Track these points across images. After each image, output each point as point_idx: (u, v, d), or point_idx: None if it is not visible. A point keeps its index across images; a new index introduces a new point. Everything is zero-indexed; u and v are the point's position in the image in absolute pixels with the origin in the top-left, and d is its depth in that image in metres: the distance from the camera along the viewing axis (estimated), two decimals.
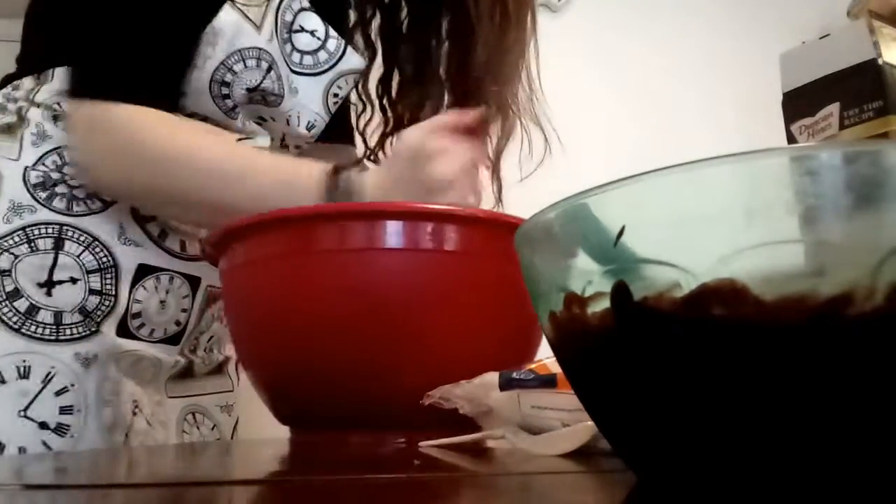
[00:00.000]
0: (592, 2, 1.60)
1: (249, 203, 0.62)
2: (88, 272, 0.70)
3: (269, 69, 0.75)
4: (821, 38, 0.56)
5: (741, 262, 0.19)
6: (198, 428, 0.81)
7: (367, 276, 0.50)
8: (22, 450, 0.64)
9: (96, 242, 0.70)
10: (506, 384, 0.49)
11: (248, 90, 0.75)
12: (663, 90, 1.58)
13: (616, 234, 0.21)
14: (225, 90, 0.73)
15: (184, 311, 0.77)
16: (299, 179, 0.65)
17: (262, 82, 0.75)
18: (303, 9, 0.78)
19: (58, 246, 0.69)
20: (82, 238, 0.70)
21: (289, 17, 0.77)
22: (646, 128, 1.54)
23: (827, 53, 0.54)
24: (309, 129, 0.82)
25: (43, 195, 0.70)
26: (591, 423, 0.37)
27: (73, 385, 0.67)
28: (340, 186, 0.63)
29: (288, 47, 0.77)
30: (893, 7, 0.56)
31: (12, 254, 0.68)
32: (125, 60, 0.67)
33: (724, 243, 0.19)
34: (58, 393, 0.66)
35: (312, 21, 0.78)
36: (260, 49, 0.74)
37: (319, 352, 0.51)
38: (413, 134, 0.66)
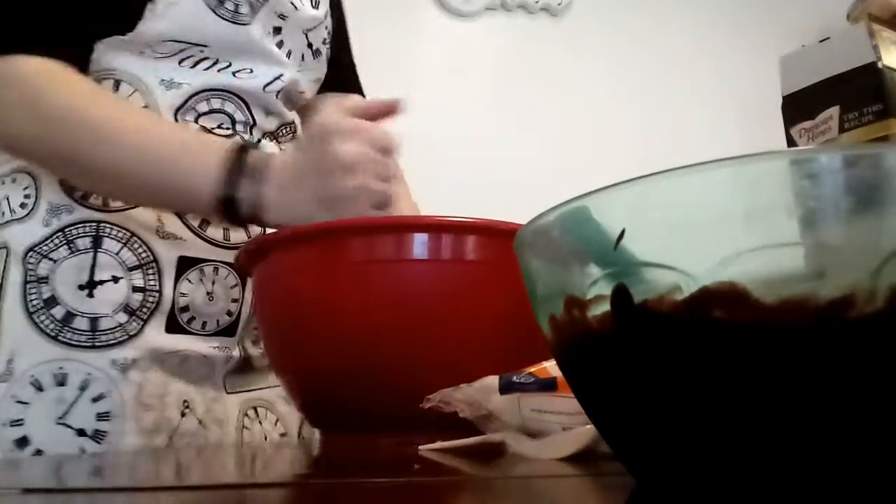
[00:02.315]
0: (592, 5, 1.60)
1: (145, 167, 0.63)
2: (129, 269, 0.69)
3: None
4: (820, 41, 0.56)
5: (741, 265, 0.19)
6: (260, 423, 0.78)
7: (395, 285, 0.53)
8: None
9: (135, 238, 0.69)
10: (506, 387, 0.49)
11: None
12: (663, 93, 1.58)
13: (616, 237, 0.21)
14: None
15: (234, 300, 0.75)
16: (203, 150, 0.63)
17: None
18: None
19: (96, 244, 0.68)
20: (120, 234, 0.69)
21: None
22: (646, 130, 1.54)
23: (827, 57, 0.54)
24: (315, 7, 0.80)
25: (78, 194, 0.70)
26: (591, 426, 0.37)
27: (109, 392, 0.66)
28: (246, 165, 0.61)
29: None
30: (893, 11, 0.56)
31: (51, 259, 0.68)
32: (35, 13, 0.65)
33: (724, 246, 0.19)
34: (94, 400, 0.66)
35: None
36: None
37: (348, 358, 0.53)
38: (326, 113, 0.66)
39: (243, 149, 0.63)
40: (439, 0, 1.54)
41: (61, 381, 0.65)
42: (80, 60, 0.68)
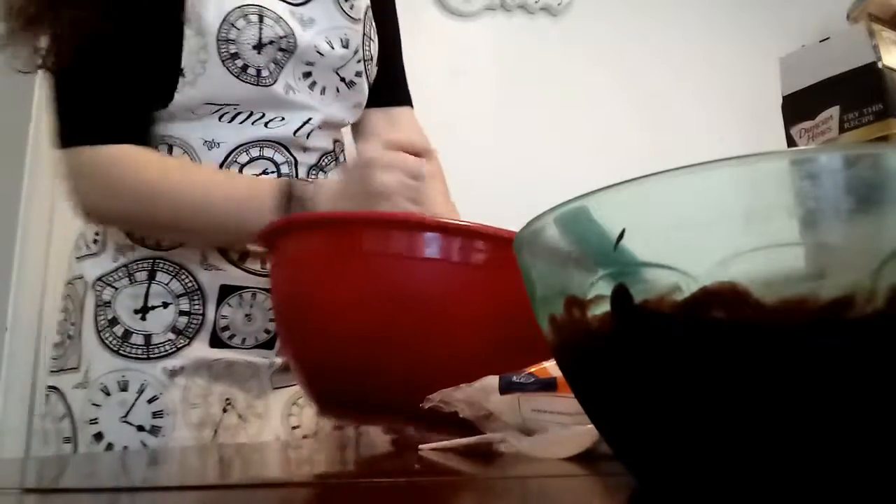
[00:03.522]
0: (591, 5, 1.60)
1: (214, 228, 0.76)
2: (177, 296, 0.80)
3: (260, 18, 0.78)
4: (821, 41, 0.56)
5: (741, 265, 0.19)
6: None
7: (405, 280, 0.55)
8: (125, 449, 0.76)
9: (183, 270, 0.81)
10: (506, 388, 0.49)
11: (256, 48, 0.78)
12: (663, 93, 1.58)
13: (616, 237, 0.21)
14: (238, 63, 0.78)
15: (271, 320, 0.83)
16: (255, 197, 0.74)
17: (261, 35, 0.78)
18: None
19: (151, 277, 0.80)
20: (171, 268, 0.81)
21: None
22: (646, 131, 1.54)
23: (827, 57, 0.54)
24: (345, 46, 0.86)
25: (138, 235, 0.82)
26: (591, 426, 0.37)
27: (160, 394, 0.77)
28: (295, 195, 0.72)
29: None
30: (893, 11, 0.56)
31: (114, 287, 0.81)
32: (92, 107, 0.77)
33: (724, 246, 0.19)
34: (150, 401, 0.77)
35: None
36: (242, 6, 0.77)
37: (356, 347, 0.55)
38: (369, 148, 0.75)
39: (290, 184, 0.73)
40: (439, 0, 1.54)
41: (124, 387, 0.77)
42: (141, 135, 0.79)
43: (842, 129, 0.52)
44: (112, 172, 0.76)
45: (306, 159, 0.85)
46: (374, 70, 0.93)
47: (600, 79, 1.56)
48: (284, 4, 0.82)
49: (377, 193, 0.68)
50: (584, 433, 0.38)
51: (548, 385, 0.45)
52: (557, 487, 0.30)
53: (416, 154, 0.73)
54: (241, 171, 0.81)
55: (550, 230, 0.24)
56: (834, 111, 0.53)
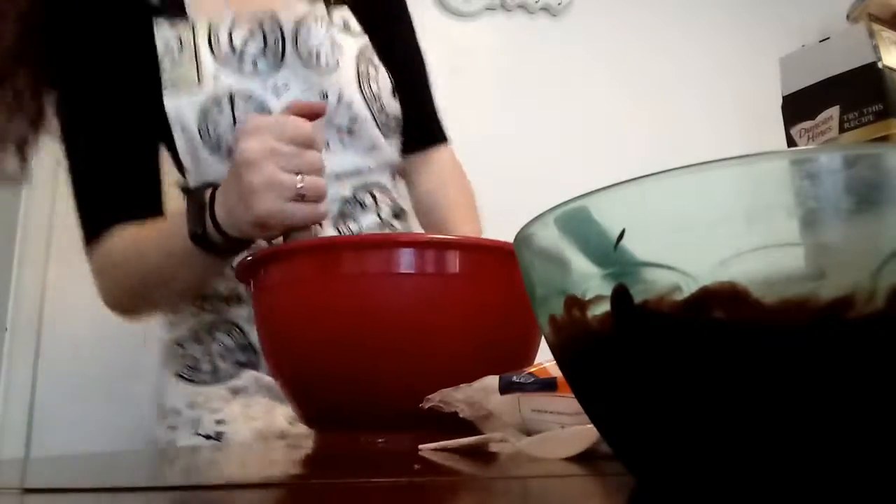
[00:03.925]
0: (591, 5, 1.60)
1: (167, 275, 0.77)
2: (230, 350, 0.86)
3: (231, 102, 0.80)
4: (820, 41, 0.56)
5: (742, 265, 0.19)
6: None
7: (382, 296, 0.56)
8: None
9: (235, 327, 0.86)
10: (506, 388, 0.49)
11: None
12: (663, 93, 1.58)
13: (616, 237, 0.21)
14: (224, 149, 0.80)
15: None
16: (174, 221, 0.74)
17: (234, 118, 0.79)
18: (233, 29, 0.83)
19: (210, 335, 0.86)
20: (224, 327, 0.86)
21: (225, 47, 0.81)
22: (646, 131, 1.54)
23: (827, 57, 0.54)
24: (325, 97, 0.85)
25: (198, 302, 0.87)
26: (591, 426, 0.37)
27: (221, 407, 0.83)
28: (193, 203, 0.70)
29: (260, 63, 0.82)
30: (893, 11, 0.56)
31: (182, 346, 0.88)
32: (92, 207, 0.83)
33: (724, 246, 0.19)
34: (212, 411, 0.83)
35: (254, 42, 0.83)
36: (214, 96, 0.79)
37: (339, 362, 0.56)
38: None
39: (189, 193, 0.72)
40: (439, 0, 1.54)
41: (191, 406, 0.84)
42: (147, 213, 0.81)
43: (842, 129, 0.52)
44: (105, 269, 0.82)
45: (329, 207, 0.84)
46: (389, 104, 0.92)
47: (600, 79, 1.56)
48: (256, 80, 0.82)
49: (243, 164, 0.62)
50: (584, 433, 0.38)
51: (548, 385, 0.45)
52: (557, 487, 0.30)
53: (311, 116, 0.67)
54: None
55: (550, 230, 0.24)
56: (834, 111, 0.53)
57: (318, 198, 0.65)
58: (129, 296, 0.83)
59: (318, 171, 0.66)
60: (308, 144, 0.65)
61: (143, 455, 0.62)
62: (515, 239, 0.27)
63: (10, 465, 0.56)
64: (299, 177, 0.63)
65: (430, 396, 0.58)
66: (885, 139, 0.49)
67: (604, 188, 0.21)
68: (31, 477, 0.43)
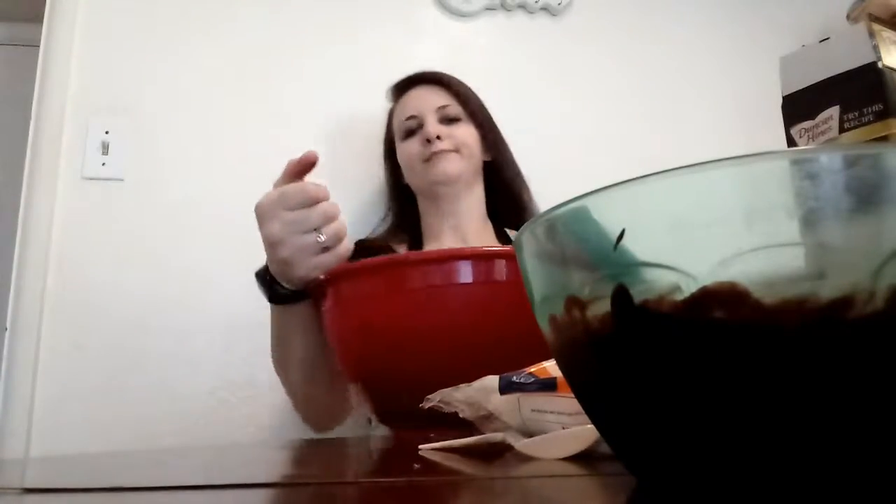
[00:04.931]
0: (591, 5, 1.60)
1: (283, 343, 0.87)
2: None
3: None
4: (820, 41, 0.56)
5: (741, 266, 0.19)
6: None
7: (445, 305, 0.64)
8: None
9: None
10: (506, 388, 0.49)
11: None
12: (663, 93, 1.58)
13: (616, 237, 0.21)
14: None
15: None
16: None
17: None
18: None
19: None
20: None
21: None
22: (645, 130, 1.54)
23: (826, 57, 0.54)
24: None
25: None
26: (591, 426, 0.37)
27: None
28: (259, 277, 0.81)
29: None
30: (893, 11, 0.56)
31: None
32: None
33: (724, 246, 0.19)
34: None
35: None
36: None
37: (407, 365, 0.64)
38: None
39: (256, 276, 0.83)
40: (439, 0, 1.54)
41: None
42: None
43: (842, 129, 0.52)
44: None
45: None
46: None
47: (600, 79, 1.56)
48: None
49: (270, 247, 0.73)
50: (584, 433, 0.38)
51: (548, 385, 0.45)
52: (557, 487, 0.30)
53: (308, 168, 0.76)
54: None
55: (550, 230, 0.24)
56: (834, 111, 0.53)
57: (340, 240, 0.74)
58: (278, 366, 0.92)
59: (333, 217, 0.73)
60: (314, 201, 0.72)
61: (141, 455, 0.62)
62: (515, 239, 0.27)
63: (10, 465, 0.56)
64: (315, 234, 0.72)
65: (430, 396, 0.58)
66: (885, 139, 0.49)
67: (604, 188, 0.21)
68: (31, 477, 0.43)
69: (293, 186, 0.73)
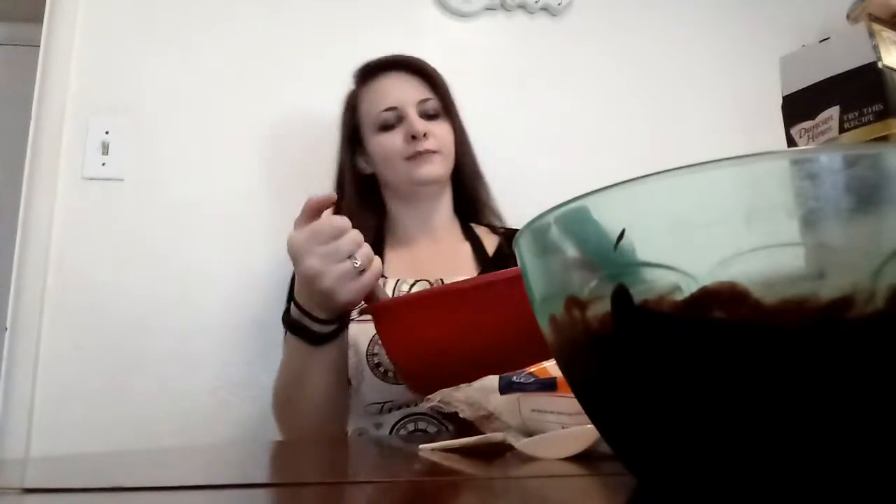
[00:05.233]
0: (591, 5, 1.60)
1: (291, 380, 0.90)
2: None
3: None
4: (820, 41, 0.55)
5: (741, 265, 0.19)
6: None
7: (490, 323, 0.70)
8: None
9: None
10: (506, 388, 0.49)
11: None
12: (663, 93, 1.58)
13: (616, 237, 0.21)
14: (380, 369, 0.96)
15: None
16: (289, 343, 0.88)
17: None
18: None
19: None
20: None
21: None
22: (645, 131, 1.54)
23: (827, 57, 0.54)
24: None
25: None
26: (591, 426, 0.37)
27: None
28: (291, 317, 0.84)
29: None
30: (893, 11, 0.56)
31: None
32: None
33: (724, 246, 0.19)
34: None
35: None
36: None
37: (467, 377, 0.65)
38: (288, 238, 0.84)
39: (285, 320, 0.87)
40: (439, 0, 1.54)
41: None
42: None
43: (842, 129, 0.52)
44: (274, 402, 0.96)
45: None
46: None
47: (600, 79, 1.56)
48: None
49: (311, 281, 0.77)
50: (584, 433, 0.38)
51: (548, 385, 0.45)
52: (557, 487, 0.30)
53: (327, 205, 0.81)
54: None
55: (550, 230, 0.24)
56: (834, 111, 0.52)
57: (371, 261, 0.79)
58: (288, 431, 0.95)
59: (361, 242, 0.79)
60: (343, 232, 0.78)
61: (141, 455, 0.62)
62: (515, 239, 0.27)
63: (10, 465, 0.56)
64: (350, 260, 0.77)
65: (430, 396, 0.58)
66: (885, 139, 0.49)
67: (604, 188, 0.21)
68: (31, 477, 0.43)
69: (322, 223, 0.79)
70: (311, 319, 0.82)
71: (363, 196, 1.16)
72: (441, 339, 0.73)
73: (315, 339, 0.84)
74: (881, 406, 0.18)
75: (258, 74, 1.40)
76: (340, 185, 1.18)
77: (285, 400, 0.92)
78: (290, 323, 0.85)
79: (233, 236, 1.32)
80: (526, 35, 1.56)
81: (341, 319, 0.85)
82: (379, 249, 1.13)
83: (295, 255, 0.79)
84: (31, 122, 1.30)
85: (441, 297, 0.78)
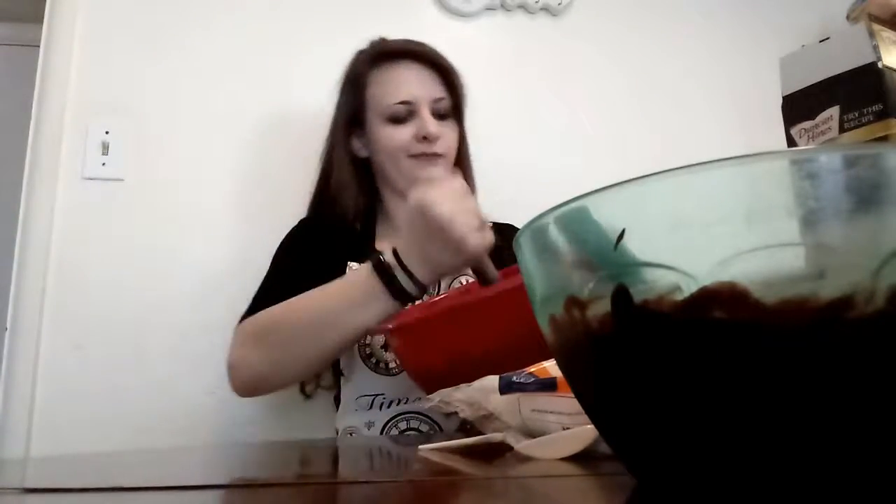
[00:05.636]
0: (591, 5, 1.60)
1: (339, 328, 0.87)
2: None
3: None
4: (820, 41, 0.55)
5: (741, 265, 0.19)
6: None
7: (500, 329, 0.71)
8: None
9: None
10: (506, 388, 0.49)
11: (384, 347, 0.98)
12: (663, 92, 1.58)
13: (616, 237, 0.21)
14: (372, 360, 0.98)
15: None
16: (354, 279, 0.86)
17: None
18: None
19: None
20: None
21: None
22: (646, 130, 1.54)
23: (827, 57, 0.54)
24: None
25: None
26: (591, 426, 0.37)
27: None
28: (384, 261, 0.84)
29: None
30: (893, 11, 0.56)
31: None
32: (260, 301, 0.98)
33: (724, 246, 0.19)
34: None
35: None
36: None
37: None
38: (411, 195, 0.84)
39: (375, 262, 0.85)
40: (439, 0, 1.54)
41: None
42: None
43: (842, 129, 0.52)
44: (258, 328, 0.92)
45: (449, 425, 0.95)
46: None
47: (600, 79, 1.56)
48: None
49: (443, 227, 0.78)
50: (584, 433, 0.38)
51: (548, 385, 0.45)
52: (557, 487, 0.30)
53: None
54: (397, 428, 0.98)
55: (551, 230, 0.24)
56: (834, 111, 0.52)
57: (485, 225, 0.83)
58: (269, 361, 0.91)
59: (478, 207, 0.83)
60: (468, 192, 0.83)
61: (141, 455, 0.62)
62: (515, 239, 0.27)
63: (10, 465, 0.56)
64: (479, 217, 0.81)
65: (430, 396, 0.58)
66: (885, 139, 0.49)
67: (604, 188, 0.21)
68: (31, 477, 0.43)
69: (455, 181, 0.83)
70: (404, 272, 0.83)
71: (353, 176, 1.13)
72: (463, 351, 0.74)
73: (397, 292, 0.83)
74: (881, 406, 0.18)
75: (258, 75, 1.40)
76: (329, 161, 1.15)
77: (289, 334, 0.89)
78: (379, 266, 0.84)
79: (233, 236, 1.32)
80: (526, 35, 1.56)
81: (425, 290, 0.85)
82: (370, 233, 1.11)
83: (428, 204, 0.80)
84: (31, 122, 1.30)
85: (461, 311, 0.80)
